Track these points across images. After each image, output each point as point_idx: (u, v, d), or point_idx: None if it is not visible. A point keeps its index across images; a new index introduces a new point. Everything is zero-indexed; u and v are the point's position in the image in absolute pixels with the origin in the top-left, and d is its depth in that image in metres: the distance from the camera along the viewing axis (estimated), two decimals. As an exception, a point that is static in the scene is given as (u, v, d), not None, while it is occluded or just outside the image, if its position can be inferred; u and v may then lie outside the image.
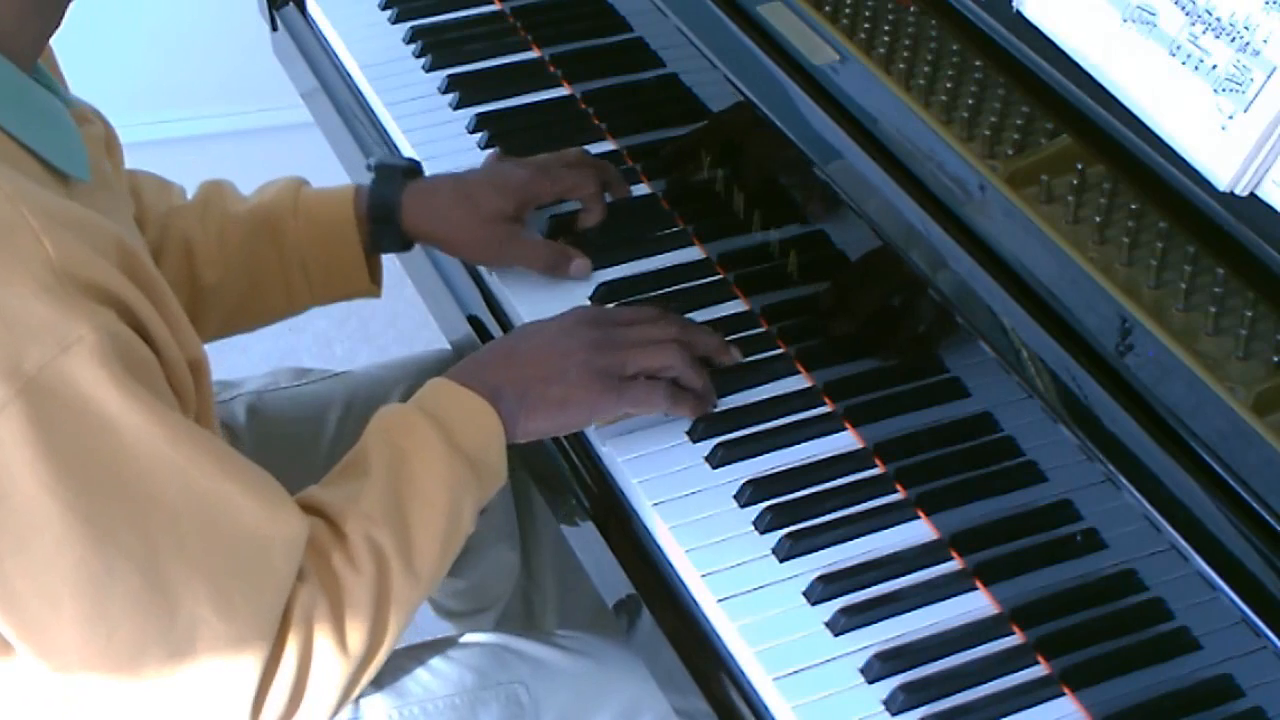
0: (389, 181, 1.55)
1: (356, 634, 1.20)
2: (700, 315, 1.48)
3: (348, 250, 1.55)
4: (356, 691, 1.23)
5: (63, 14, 1.19)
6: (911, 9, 1.41)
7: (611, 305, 1.50)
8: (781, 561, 1.29)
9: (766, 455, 1.37)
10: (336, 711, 1.22)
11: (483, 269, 1.58)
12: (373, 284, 1.59)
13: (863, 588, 1.27)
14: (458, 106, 1.76)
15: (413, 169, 1.58)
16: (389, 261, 1.61)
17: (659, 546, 1.33)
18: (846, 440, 1.38)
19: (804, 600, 1.26)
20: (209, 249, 1.53)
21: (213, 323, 1.56)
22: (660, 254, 1.56)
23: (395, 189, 1.54)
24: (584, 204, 1.58)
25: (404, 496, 1.24)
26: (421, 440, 1.26)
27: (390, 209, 1.54)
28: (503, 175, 1.57)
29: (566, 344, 1.35)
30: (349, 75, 1.84)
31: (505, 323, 1.55)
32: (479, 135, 1.72)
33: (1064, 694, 1.21)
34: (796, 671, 1.22)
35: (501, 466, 1.31)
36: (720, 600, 1.27)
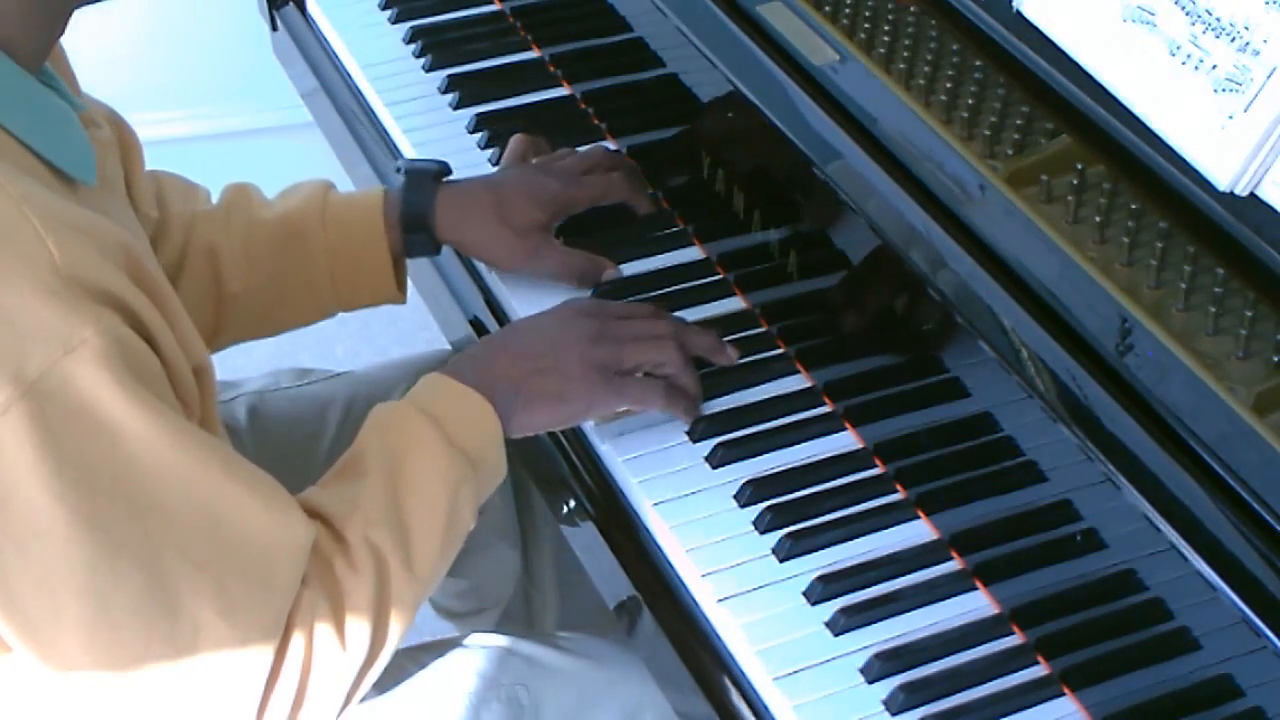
0: (420, 189, 1.52)
1: (358, 636, 1.20)
2: (701, 314, 1.48)
3: (377, 260, 1.52)
4: (361, 692, 1.23)
5: (68, 17, 1.19)
6: (911, 9, 1.40)
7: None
8: (781, 561, 1.29)
9: (766, 455, 1.36)
10: (340, 713, 1.22)
11: (481, 267, 1.58)
12: (399, 291, 1.56)
13: (863, 588, 1.27)
14: (458, 106, 1.76)
15: (442, 171, 1.55)
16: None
17: (659, 546, 1.33)
18: (846, 440, 1.38)
19: (804, 600, 1.26)
20: (234, 257, 1.51)
21: (238, 329, 1.54)
22: (660, 254, 1.56)
23: (428, 197, 1.51)
24: (628, 201, 1.58)
25: (402, 497, 1.23)
26: (419, 439, 1.26)
27: (423, 218, 1.51)
28: (536, 186, 1.54)
29: (563, 336, 1.34)
30: (349, 75, 1.84)
31: (505, 322, 1.54)
32: (479, 135, 1.71)
33: (1064, 694, 1.21)
34: (797, 671, 1.22)
35: (500, 462, 1.30)
36: (720, 600, 1.27)
